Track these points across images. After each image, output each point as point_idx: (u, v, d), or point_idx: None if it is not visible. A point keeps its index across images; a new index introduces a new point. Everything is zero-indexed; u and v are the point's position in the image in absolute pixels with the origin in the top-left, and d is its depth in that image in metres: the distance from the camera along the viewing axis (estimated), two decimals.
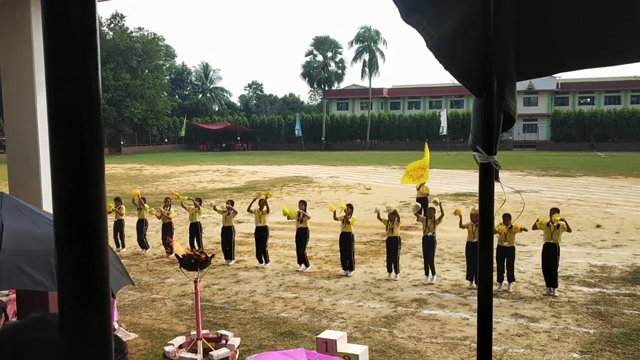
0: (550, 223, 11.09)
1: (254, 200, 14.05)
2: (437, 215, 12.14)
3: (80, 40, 0.61)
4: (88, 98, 0.61)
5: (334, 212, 12.80)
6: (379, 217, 12.72)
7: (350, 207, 12.95)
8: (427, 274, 11.95)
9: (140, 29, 69.39)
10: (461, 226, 11.89)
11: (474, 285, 11.07)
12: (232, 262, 13.80)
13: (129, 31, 66.61)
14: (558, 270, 11.13)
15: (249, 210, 14.03)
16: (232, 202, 14.41)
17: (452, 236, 13.47)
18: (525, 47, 1.76)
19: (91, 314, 0.61)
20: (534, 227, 11.44)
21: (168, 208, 15.02)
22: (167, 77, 77.27)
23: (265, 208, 13.54)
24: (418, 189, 18.31)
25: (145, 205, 15.45)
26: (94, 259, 0.61)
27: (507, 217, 11.24)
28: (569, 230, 11.22)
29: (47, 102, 0.59)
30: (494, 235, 10.94)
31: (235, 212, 14.21)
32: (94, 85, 0.61)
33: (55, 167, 0.59)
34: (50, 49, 0.59)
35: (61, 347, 0.62)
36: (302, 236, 13.14)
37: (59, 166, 0.60)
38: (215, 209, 14.90)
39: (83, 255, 0.61)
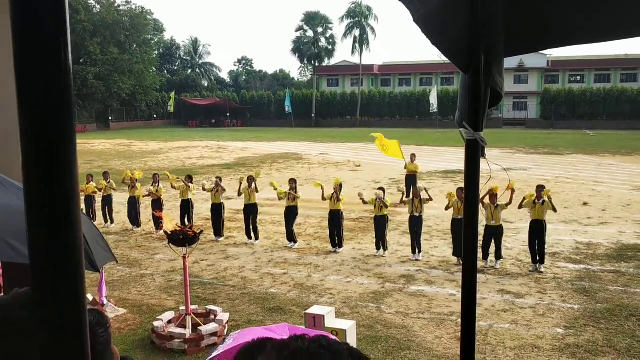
0: (536, 201, 11.18)
1: (241, 182, 13.99)
2: (425, 198, 12.23)
3: (49, 8, 0.59)
4: (57, 64, 0.59)
5: (322, 193, 12.84)
6: (363, 202, 12.84)
7: (339, 185, 12.97)
8: (414, 252, 12.04)
9: (128, 2, 68.05)
10: (446, 209, 11.99)
11: (461, 261, 11.14)
12: (222, 238, 13.83)
13: (116, 4, 65.43)
14: (545, 247, 11.25)
15: (239, 194, 13.99)
16: (220, 179, 14.37)
17: (441, 213, 13.55)
18: (514, 22, 1.73)
19: (64, 288, 0.61)
20: (520, 207, 11.55)
21: (157, 185, 14.95)
22: (156, 52, 76.16)
23: (254, 186, 13.57)
24: (405, 167, 18.30)
25: (138, 184, 15.35)
26: (66, 231, 0.60)
27: (492, 196, 11.27)
28: (554, 210, 11.32)
29: (14, 69, 0.57)
30: (480, 211, 11.01)
31: (224, 190, 14.17)
32: (64, 53, 0.60)
33: (24, 134, 0.58)
34: (16, 16, 0.58)
35: (35, 321, 0.62)
36: (291, 213, 13.19)
37: (28, 134, 0.58)
38: (204, 188, 14.84)
39: (54, 226, 0.60)
